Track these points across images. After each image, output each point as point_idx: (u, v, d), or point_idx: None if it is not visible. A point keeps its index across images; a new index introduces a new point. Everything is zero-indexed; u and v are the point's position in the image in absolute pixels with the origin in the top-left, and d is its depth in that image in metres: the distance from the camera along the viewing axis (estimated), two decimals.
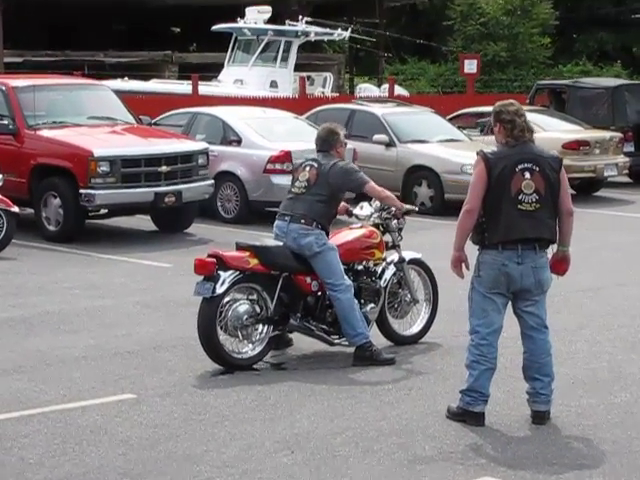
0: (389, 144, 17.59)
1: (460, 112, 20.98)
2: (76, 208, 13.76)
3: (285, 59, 27.31)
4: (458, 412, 7.06)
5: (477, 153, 6.99)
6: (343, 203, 8.83)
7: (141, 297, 10.76)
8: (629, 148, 20.75)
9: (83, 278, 11.66)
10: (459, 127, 19.30)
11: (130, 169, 13.83)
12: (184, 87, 23.41)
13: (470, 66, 26.16)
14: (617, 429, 6.96)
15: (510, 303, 7.03)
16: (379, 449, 6.56)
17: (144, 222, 15.06)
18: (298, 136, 16.33)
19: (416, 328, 9.14)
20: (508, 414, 7.22)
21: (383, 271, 8.82)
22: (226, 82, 26.80)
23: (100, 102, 15.44)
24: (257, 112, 17.64)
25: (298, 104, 21.95)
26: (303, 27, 27.48)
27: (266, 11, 28.00)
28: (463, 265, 7.01)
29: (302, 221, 8.33)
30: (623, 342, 9.26)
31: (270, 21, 28.37)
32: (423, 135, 18.11)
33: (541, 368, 7.03)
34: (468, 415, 7.01)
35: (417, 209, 9.04)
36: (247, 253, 8.22)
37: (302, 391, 7.67)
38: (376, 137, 17.59)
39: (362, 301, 8.65)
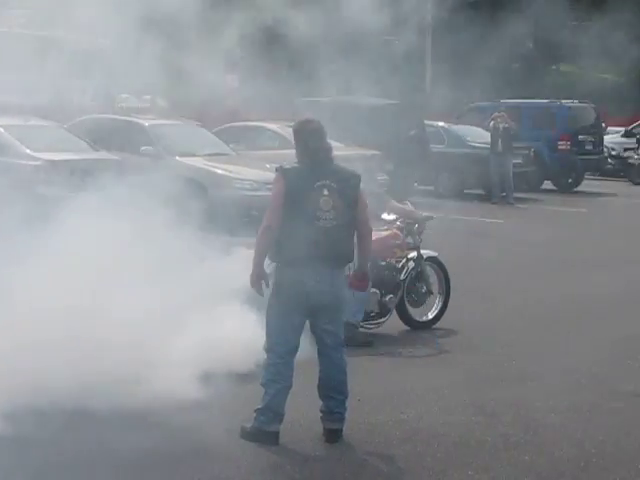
0: (155, 157, 17.35)
1: (227, 125, 20.96)
2: None
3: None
4: (253, 432, 6.97)
5: (276, 169, 6.95)
6: None
7: None
8: (389, 167, 21.26)
9: None
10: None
11: None
12: None
13: (232, 82, 26.11)
14: (407, 445, 7.07)
15: (308, 321, 7.01)
16: (175, 472, 6.38)
17: None
18: (63, 146, 15.89)
19: (431, 315, 10.56)
20: (301, 433, 7.20)
21: (403, 267, 10.24)
22: None
23: None
24: (18, 120, 16.99)
25: (59, 112, 21.27)
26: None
27: None
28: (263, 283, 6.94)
29: None
30: (404, 358, 9.46)
31: None
32: (190, 148, 18.00)
33: (336, 386, 7.05)
34: (263, 435, 6.93)
35: (434, 216, 10.83)
36: None
37: None
38: (143, 149, 17.33)
39: (382, 292, 10.01)
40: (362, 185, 7.06)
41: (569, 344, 10.15)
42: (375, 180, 10.49)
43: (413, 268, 10.32)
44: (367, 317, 10.00)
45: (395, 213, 10.26)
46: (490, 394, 8.27)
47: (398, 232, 10.29)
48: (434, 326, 10.53)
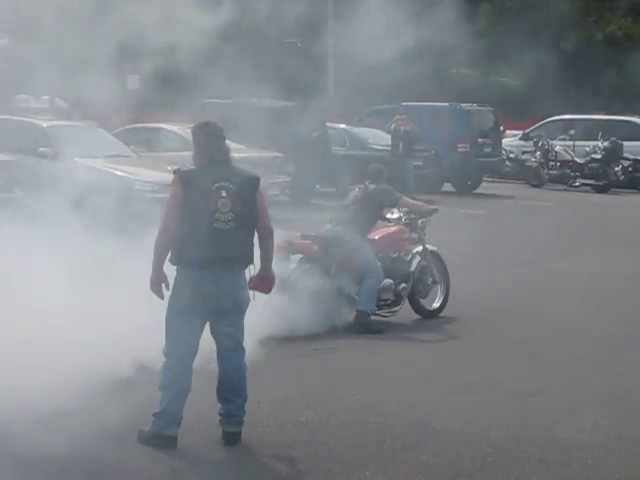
0: (54, 158, 17.11)
1: (127, 127, 20.79)
2: None
3: None
4: (151, 436, 6.90)
5: (174, 171, 6.90)
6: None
7: None
8: (291, 168, 21.33)
9: None
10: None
11: None
12: None
13: (133, 83, 25.89)
14: (306, 447, 7.07)
15: (208, 323, 6.97)
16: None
17: None
18: None
19: (436, 304, 11.51)
20: (199, 436, 7.15)
21: (412, 260, 11.23)
22: None
23: None
24: None
25: None
26: None
27: None
28: (163, 285, 6.87)
29: (345, 225, 10.80)
30: (303, 359, 9.46)
31: None
32: (89, 149, 17.79)
33: (235, 389, 7.03)
34: (161, 439, 6.87)
35: (438, 209, 11.79)
36: (309, 241, 10.75)
37: None
38: (41, 150, 17.09)
39: (396, 281, 10.98)
40: (261, 186, 7.05)
41: (469, 345, 10.28)
42: (385, 179, 11.20)
43: (420, 261, 11.30)
44: (383, 305, 10.98)
45: (408, 208, 11.30)
46: (390, 394, 8.32)
47: (404, 228, 11.37)
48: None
